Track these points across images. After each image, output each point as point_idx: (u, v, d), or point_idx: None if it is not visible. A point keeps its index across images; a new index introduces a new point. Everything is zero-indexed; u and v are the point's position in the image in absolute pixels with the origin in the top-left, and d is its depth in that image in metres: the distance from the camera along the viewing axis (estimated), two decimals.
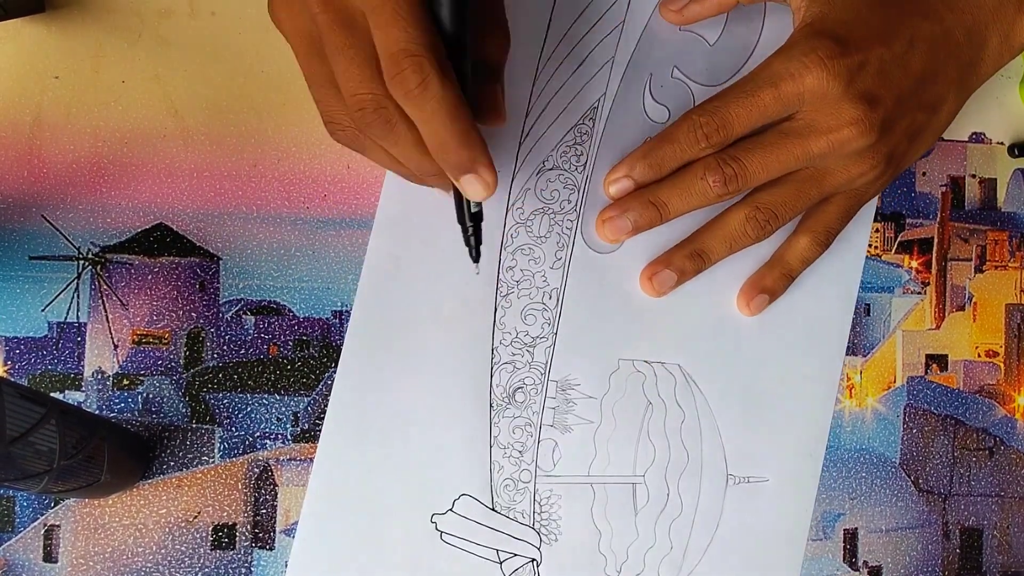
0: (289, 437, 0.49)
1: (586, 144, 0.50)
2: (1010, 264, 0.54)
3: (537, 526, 0.48)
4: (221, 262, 0.49)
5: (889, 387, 0.53)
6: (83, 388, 0.48)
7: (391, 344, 0.48)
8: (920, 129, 0.46)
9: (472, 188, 0.39)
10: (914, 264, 0.54)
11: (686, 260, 0.48)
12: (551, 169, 0.49)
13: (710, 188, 0.45)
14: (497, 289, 0.49)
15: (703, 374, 0.50)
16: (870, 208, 0.51)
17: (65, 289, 0.48)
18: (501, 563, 0.48)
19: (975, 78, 0.47)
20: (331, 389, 0.48)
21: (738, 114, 0.44)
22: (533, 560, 0.48)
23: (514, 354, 0.49)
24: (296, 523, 0.48)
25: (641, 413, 0.49)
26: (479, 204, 0.42)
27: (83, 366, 0.48)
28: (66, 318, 0.48)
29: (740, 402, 0.50)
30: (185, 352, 0.49)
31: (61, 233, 0.48)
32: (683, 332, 0.50)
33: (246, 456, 0.48)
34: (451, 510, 0.48)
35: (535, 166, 0.49)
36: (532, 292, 0.49)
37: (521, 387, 0.49)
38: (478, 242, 0.43)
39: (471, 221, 0.43)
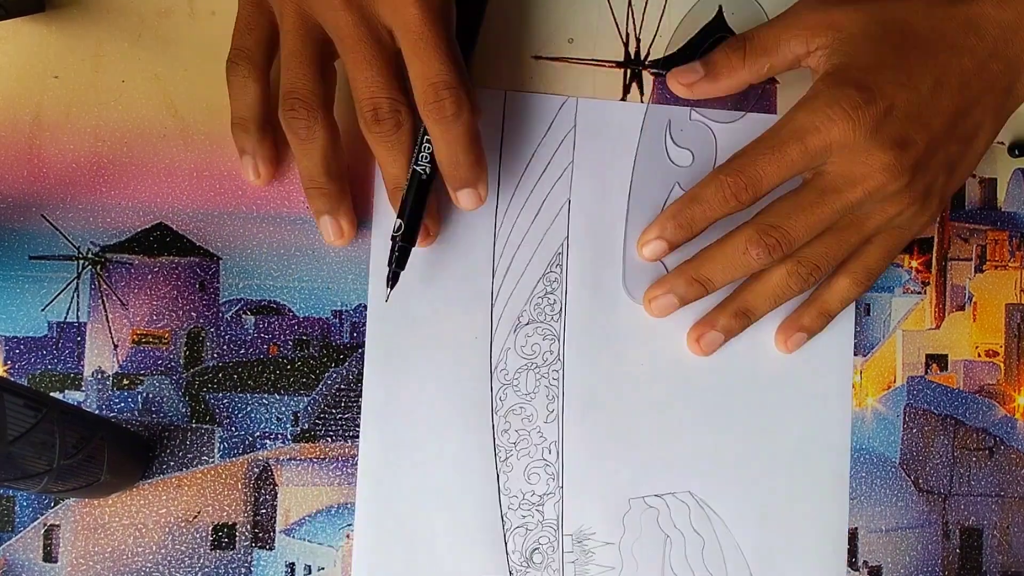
0: (289, 437, 0.49)
1: (557, 292, 0.50)
2: (1010, 264, 0.54)
3: None
4: (221, 262, 0.49)
5: (889, 387, 0.53)
6: (83, 388, 0.48)
7: (399, 534, 0.48)
8: (957, 160, 0.46)
9: (467, 199, 0.46)
10: (914, 264, 0.54)
11: (732, 319, 0.48)
12: (527, 324, 0.49)
13: (754, 260, 0.45)
14: (495, 455, 0.49)
15: (716, 497, 0.50)
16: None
17: (65, 289, 0.48)
18: None
19: (1012, 102, 0.46)
20: (330, 389, 0.48)
21: (766, 172, 0.44)
22: None
23: (524, 516, 0.49)
24: (294, 524, 0.48)
25: (661, 549, 0.49)
26: (405, 245, 0.45)
27: (83, 366, 0.48)
28: (66, 318, 0.48)
29: (757, 518, 0.50)
30: (185, 352, 0.49)
31: (61, 233, 0.48)
32: (689, 459, 0.50)
33: (246, 456, 0.48)
34: None
35: (511, 324, 0.49)
36: (531, 450, 0.49)
37: (537, 548, 0.49)
38: (398, 267, 0.46)
39: (396, 257, 0.46)
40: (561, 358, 0.50)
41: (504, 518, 0.49)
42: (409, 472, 0.48)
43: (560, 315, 0.50)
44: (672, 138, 0.50)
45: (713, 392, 0.50)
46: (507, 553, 0.48)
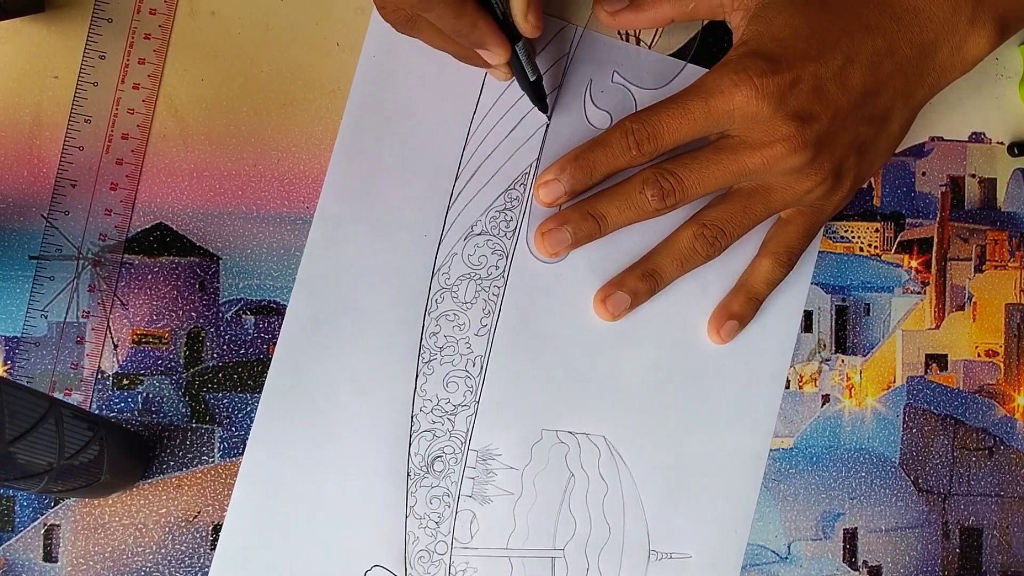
0: None
1: (516, 210, 0.50)
2: (1010, 264, 0.54)
3: None
4: (221, 262, 0.49)
5: (889, 387, 0.53)
6: (83, 388, 0.48)
7: (307, 407, 0.48)
8: (869, 142, 0.46)
9: (486, 56, 0.44)
10: (914, 264, 0.54)
11: (639, 281, 0.48)
12: (479, 234, 0.49)
13: (648, 201, 0.46)
14: (419, 355, 0.49)
15: (628, 447, 0.49)
16: (805, 278, 0.51)
17: (65, 289, 0.48)
18: None
19: (924, 90, 0.47)
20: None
21: (669, 124, 0.44)
22: None
23: (434, 422, 0.48)
24: None
25: (563, 485, 0.49)
26: (535, 71, 0.47)
27: (83, 366, 0.48)
28: (66, 318, 0.48)
29: (665, 477, 0.49)
30: (185, 352, 0.49)
31: (61, 233, 0.48)
32: (610, 404, 0.50)
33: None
34: None
35: (463, 230, 0.49)
36: (455, 359, 0.49)
37: (440, 456, 0.48)
38: (541, 96, 0.47)
39: (531, 87, 0.47)
40: (505, 276, 0.49)
41: (414, 419, 0.48)
42: (331, 349, 0.48)
43: (514, 234, 0.49)
44: (592, 99, 0.50)
45: (652, 346, 0.50)
46: (409, 455, 0.48)
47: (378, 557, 0.47)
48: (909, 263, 0.54)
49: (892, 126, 0.47)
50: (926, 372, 0.53)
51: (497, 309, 0.49)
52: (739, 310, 0.49)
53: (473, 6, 0.42)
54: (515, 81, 0.48)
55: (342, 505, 0.47)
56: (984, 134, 0.55)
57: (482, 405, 0.49)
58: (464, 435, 0.48)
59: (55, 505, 0.47)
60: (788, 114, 0.43)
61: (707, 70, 0.46)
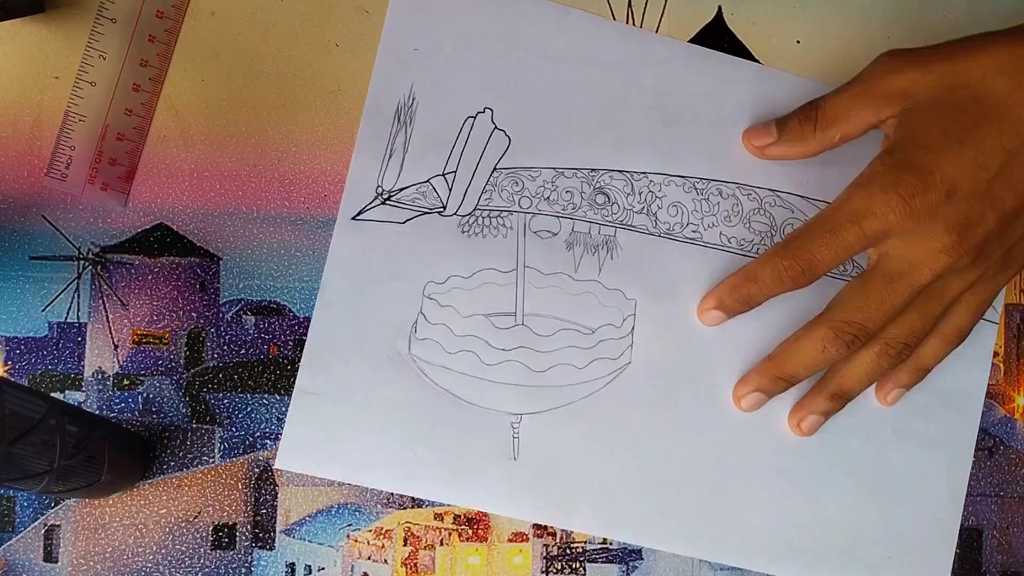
0: None
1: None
2: None
3: None
4: (221, 262, 0.49)
5: None
6: (83, 388, 0.48)
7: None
8: None
9: None
10: None
11: (828, 402, 0.48)
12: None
13: (834, 355, 0.45)
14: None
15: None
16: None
17: (65, 289, 0.48)
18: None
19: None
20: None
21: (823, 256, 0.43)
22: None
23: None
24: (294, 524, 0.48)
25: None
26: None
27: (83, 366, 0.48)
28: (66, 318, 0.48)
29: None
30: (185, 352, 0.49)
31: (61, 233, 0.48)
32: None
33: (246, 456, 0.48)
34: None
35: None
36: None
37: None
38: None
39: None
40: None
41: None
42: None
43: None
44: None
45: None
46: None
47: None
48: None
49: None
50: None
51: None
52: (907, 380, 0.48)
53: None
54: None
55: None
56: None
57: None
58: None
59: (55, 505, 0.47)
60: (946, 227, 0.42)
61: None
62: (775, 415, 0.50)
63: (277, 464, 0.47)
